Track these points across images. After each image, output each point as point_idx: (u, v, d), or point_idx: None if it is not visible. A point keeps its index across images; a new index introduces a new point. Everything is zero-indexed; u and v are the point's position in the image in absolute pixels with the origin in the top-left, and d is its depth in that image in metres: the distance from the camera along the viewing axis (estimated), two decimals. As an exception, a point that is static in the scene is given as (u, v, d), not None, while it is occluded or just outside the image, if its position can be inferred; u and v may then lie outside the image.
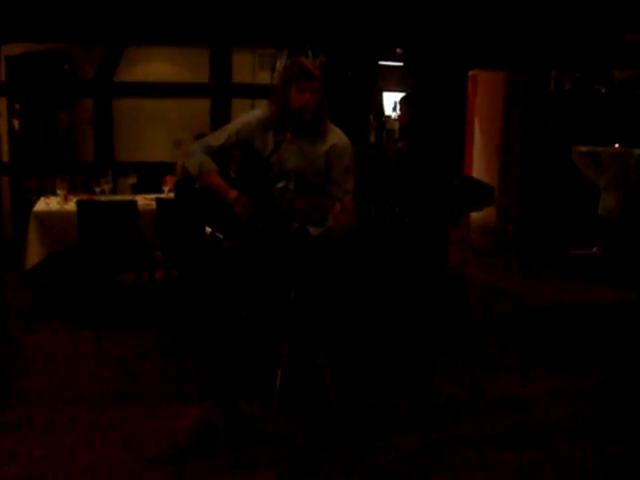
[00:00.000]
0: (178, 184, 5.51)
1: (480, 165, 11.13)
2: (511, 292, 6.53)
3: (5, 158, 8.16)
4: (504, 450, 3.44)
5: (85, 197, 5.71)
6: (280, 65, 7.05)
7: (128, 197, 5.79)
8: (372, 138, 8.01)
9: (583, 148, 8.11)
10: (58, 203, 5.68)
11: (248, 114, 3.62)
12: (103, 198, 5.71)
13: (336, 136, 3.47)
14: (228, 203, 3.31)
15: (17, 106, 7.96)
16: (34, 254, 5.40)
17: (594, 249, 8.06)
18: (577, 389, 4.21)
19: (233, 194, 3.32)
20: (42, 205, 5.71)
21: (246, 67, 8.48)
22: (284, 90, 3.39)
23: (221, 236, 3.28)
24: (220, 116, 8.38)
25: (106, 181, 5.93)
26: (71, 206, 5.44)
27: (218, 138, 3.53)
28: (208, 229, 3.30)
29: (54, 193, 5.90)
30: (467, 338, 5.02)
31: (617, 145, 8.09)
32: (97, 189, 5.88)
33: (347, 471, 3.22)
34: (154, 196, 5.63)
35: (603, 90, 8.71)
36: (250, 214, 3.29)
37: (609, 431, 3.67)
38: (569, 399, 4.07)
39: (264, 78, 8.12)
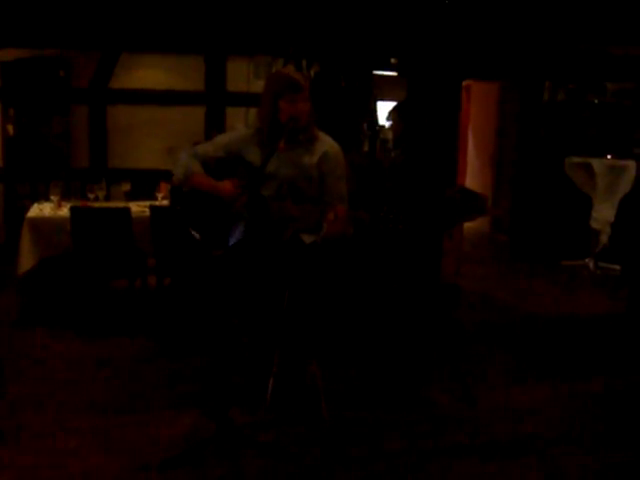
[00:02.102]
0: (174, 190, 5.51)
1: (473, 175, 11.17)
2: (504, 302, 6.54)
3: (-1, 163, 8.17)
4: (497, 460, 3.44)
5: (79, 203, 5.71)
6: (272, 77, 7.08)
7: (122, 204, 5.79)
8: (366, 147, 8.02)
9: (576, 159, 8.16)
10: (52, 209, 5.68)
11: (237, 130, 3.66)
12: (96, 205, 5.70)
13: (326, 144, 3.49)
14: (225, 198, 3.28)
15: (11, 112, 7.98)
16: (27, 260, 5.39)
17: (586, 259, 8.10)
18: (571, 399, 4.22)
19: (228, 187, 3.30)
20: (35, 211, 5.70)
21: (241, 75, 8.50)
22: (272, 104, 3.40)
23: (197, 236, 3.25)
24: (215, 124, 8.40)
25: (100, 188, 5.92)
26: (64, 212, 5.44)
27: (206, 148, 3.55)
28: (196, 234, 3.29)
29: (47, 199, 5.89)
30: (460, 347, 5.02)
31: (609, 156, 8.14)
32: (91, 195, 5.87)
33: (338, 479, 3.22)
34: (148, 203, 5.63)
35: (596, 101, 8.76)
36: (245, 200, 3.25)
37: (603, 441, 3.68)
38: (562, 409, 4.07)
39: (259, 86, 8.10)
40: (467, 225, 8.37)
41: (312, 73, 6.77)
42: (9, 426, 3.61)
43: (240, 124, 7.41)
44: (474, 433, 3.71)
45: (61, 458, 3.30)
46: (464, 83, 10.04)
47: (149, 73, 8.45)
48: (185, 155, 3.50)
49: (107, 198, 6.11)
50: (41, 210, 5.71)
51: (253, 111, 8.01)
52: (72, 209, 5.28)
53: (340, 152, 3.52)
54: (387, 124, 7.89)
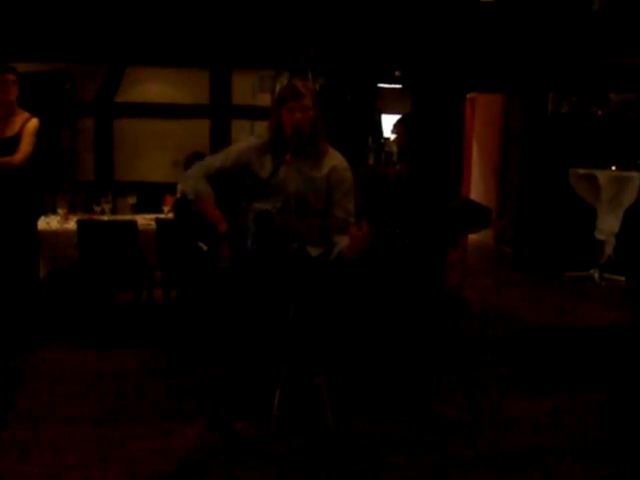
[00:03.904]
0: (177, 204, 5.54)
1: (478, 187, 11.19)
2: (508, 313, 6.55)
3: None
4: (502, 472, 3.44)
5: (85, 216, 5.74)
6: (280, 87, 7.13)
7: (128, 217, 5.82)
8: (371, 160, 8.06)
9: (580, 171, 8.18)
10: (58, 222, 5.71)
11: (247, 140, 3.65)
12: (104, 218, 5.73)
13: (335, 159, 3.50)
14: (219, 234, 3.33)
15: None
16: (34, 273, 5.42)
17: (591, 271, 8.10)
18: (575, 410, 4.22)
19: (224, 228, 3.34)
20: (42, 224, 5.72)
21: (246, 89, 8.56)
22: (276, 113, 3.42)
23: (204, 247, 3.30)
24: (220, 137, 8.45)
25: (106, 201, 5.95)
26: (71, 225, 5.47)
27: (215, 161, 3.55)
28: (203, 246, 3.32)
29: (54, 212, 5.93)
30: (464, 359, 5.03)
31: (614, 168, 8.15)
32: (97, 208, 5.90)
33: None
34: (154, 216, 5.66)
35: (600, 113, 8.78)
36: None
37: (608, 453, 3.67)
38: (567, 421, 4.07)
39: (264, 100, 8.19)
40: (471, 237, 8.37)
41: (317, 86, 6.81)
42: (15, 437, 3.63)
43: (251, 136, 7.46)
44: (479, 445, 3.72)
45: (68, 469, 3.31)
46: (468, 95, 10.09)
47: (155, 87, 8.51)
48: (195, 174, 3.50)
49: (113, 211, 6.13)
50: (48, 223, 5.74)
51: (259, 124, 8.07)
52: (79, 222, 5.31)
53: (349, 168, 3.53)
54: (392, 137, 7.95)
